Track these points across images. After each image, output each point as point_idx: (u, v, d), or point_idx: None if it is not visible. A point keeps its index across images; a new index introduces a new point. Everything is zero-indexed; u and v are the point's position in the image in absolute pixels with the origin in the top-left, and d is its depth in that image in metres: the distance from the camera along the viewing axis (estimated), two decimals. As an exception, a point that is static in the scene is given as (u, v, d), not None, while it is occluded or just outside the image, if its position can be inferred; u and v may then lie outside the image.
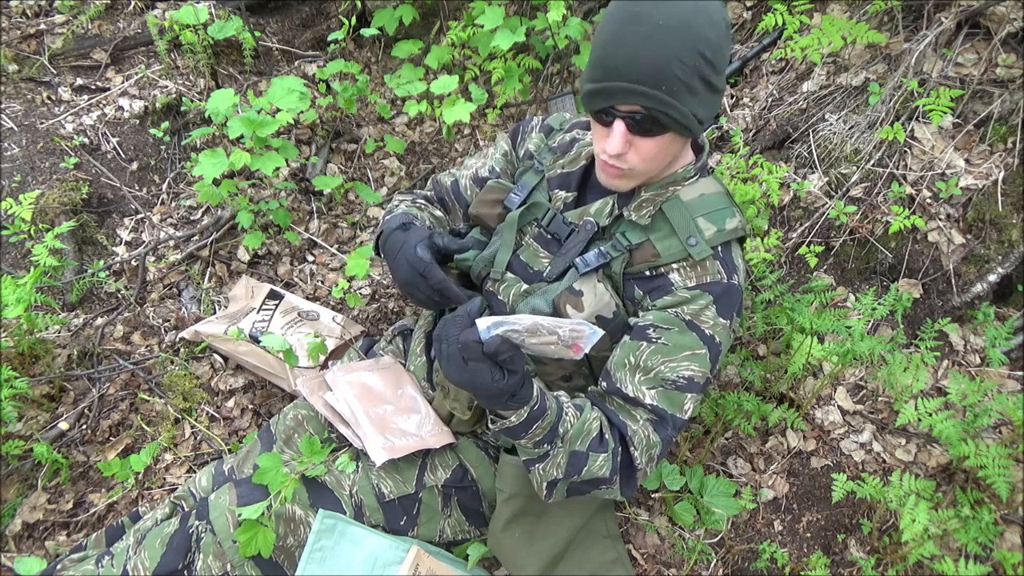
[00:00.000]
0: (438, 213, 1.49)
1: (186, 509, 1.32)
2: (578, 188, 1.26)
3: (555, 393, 1.13)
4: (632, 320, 1.16)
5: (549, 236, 1.25)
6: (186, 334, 1.86)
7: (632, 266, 1.16)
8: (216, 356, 1.88)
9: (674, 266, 1.13)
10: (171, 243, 2.11)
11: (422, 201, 1.51)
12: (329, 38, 2.21)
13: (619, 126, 1.02)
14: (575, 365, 1.22)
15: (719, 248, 1.14)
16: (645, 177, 1.13)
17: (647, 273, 1.15)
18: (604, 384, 1.16)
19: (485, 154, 1.47)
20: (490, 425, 1.11)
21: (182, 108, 2.32)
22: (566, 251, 1.21)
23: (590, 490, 1.14)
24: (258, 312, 1.89)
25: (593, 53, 1.03)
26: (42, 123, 2.19)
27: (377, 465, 1.22)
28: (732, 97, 2.05)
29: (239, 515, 1.12)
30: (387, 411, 1.32)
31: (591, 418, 1.11)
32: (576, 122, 1.36)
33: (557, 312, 1.16)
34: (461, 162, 1.53)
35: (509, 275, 1.27)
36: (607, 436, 1.11)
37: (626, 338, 1.14)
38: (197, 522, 1.19)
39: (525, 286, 1.24)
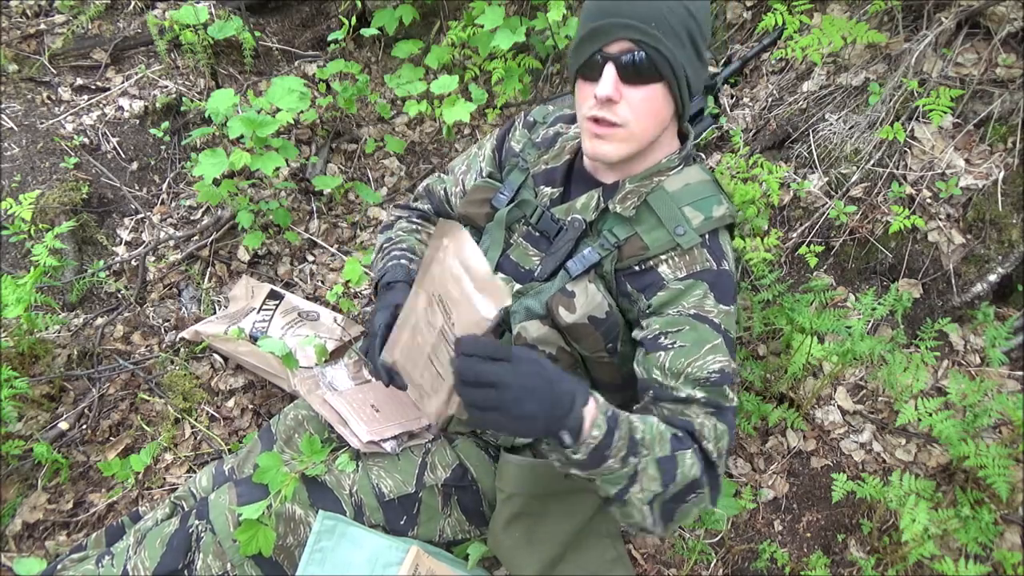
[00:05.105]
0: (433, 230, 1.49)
1: (186, 509, 1.32)
2: (563, 183, 1.25)
3: None
4: (638, 334, 1.12)
5: (538, 234, 1.24)
6: (186, 334, 1.86)
7: (622, 261, 1.13)
8: (216, 356, 1.88)
9: (662, 257, 1.11)
10: (171, 243, 2.11)
11: (419, 222, 1.50)
12: (329, 38, 2.22)
13: (609, 69, 1.02)
14: (569, 366, 1.21)
15: (707, 236, 1.11)
16: (634, 144, 1.09)
17: (636, 268, 1.13)
18: (649, 395, 1.09)
19: (469, 155, 1.46)
20: (567, 466, 0.94)
21: (182, 108, 2.32)
22: (556, 250, 1.19)
23: (684, 503, 1.00)
24: (258, 312, 1.89)
25: (582, 14, 1.06)
26: (42, 123, 2.19)
27: (364, 442, 1.23)
28: (732, 97, 2.05)
29: (239, 514, 1.12)
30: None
31: (652, 420, 1.00)
32: (559, 115, 1.34)
33: (550, 313, 1.16)
34: (448, 168, 1.51)
35: (500, 275, 1.26)
36: (679, 434, 1.02)
37: (640, 354, 1.10)
38: (197, 522, 1.19)
39: (518, 286, 1.23)
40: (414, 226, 1.49)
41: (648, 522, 0.98)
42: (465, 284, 0.88)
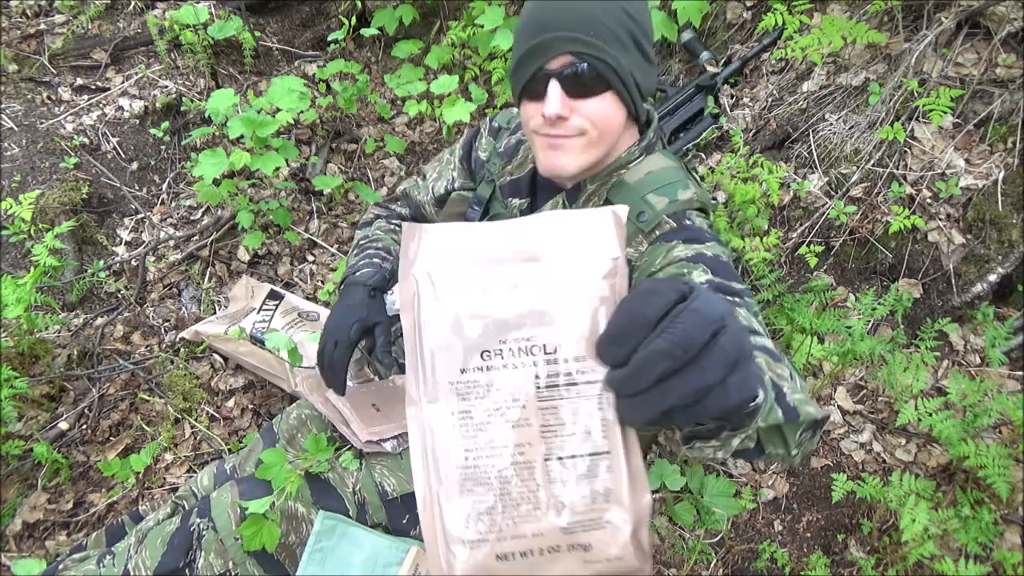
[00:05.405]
0: None
1: (187, 508, 1.32)
2: (530, 193, 1.23)
3: None
4: None
5: None
6: (186, 334, 1.86)
7: None
8: (216, 356, 1.88)
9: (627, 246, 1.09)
10: (171, 243, 2.10)
11: (397, 223, 1.46)
12: (329, 38, 2.21)
13: (554, 86, 0.97)
14: None
15: (670, 215, 1.07)
16: (593, 153, 1.04)
17: None
18: None
19: (441, 161, 1.43)
20: (741, 432, 0.63)
21: (182, 108, 2.32)
22: None
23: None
24: (258, 312, 1.89)
25: (519, 29, 1.01)
26: (42, 123, 2.19)
27: (363, 441, 1.23)
28: (732, 97, 2.05)
29: (244, 510, 1.13)
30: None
31: None
32: (521, 121, 1.31)
33: None
34: (423, 172, 1.48)
35: None
36: None
37: None
38: (198, 520, 1.19)
39: None
40: (392, 226, 1.46)
41: (820, 410, 0.78)
42: (522, 273, 0.49)
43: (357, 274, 1.28)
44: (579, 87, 0.98)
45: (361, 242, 1.40)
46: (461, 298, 0.50)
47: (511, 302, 0.49)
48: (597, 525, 0.49)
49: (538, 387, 0.49)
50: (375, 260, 1.32)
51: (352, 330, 1.18)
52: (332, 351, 1.18)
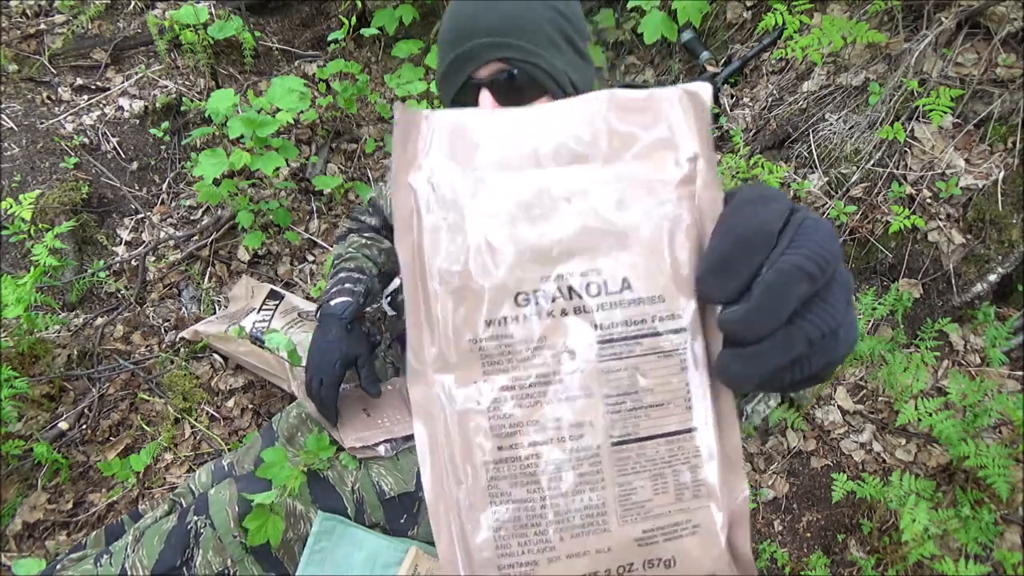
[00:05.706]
0: (385, 245, 1.43)
1: (184, 506, 1.32)
2: None
3: None
4: None
5: None
6: (186, 334, 1.86)
7: None
8: (216, 356, 1.88)
9: None
10: (171, 243, 2.11)
11: (369, 236, 1.43)
12: (329, 38, 2.22)
13: (485, 96, 0.90)
14: None
15: None
16: None
17: None
18: None
19: None
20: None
21: (182, 108, 2.32)
22: None
23: None
24: (258, 312, 1.89)
25: (442, 36, 0.95)
26: (42, 123, 2.19)
27: (347, 447, 1.24)
28: (732, 97, 2.05)
29: (243, 507, 1.13)
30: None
31: None
32: None
33: None
34: (386, 180, 1.47)
35: None
36: None
37: None
38: (196, 517, 1.19)
39: None
40: (364, 240, 1.43)
41: None
42: (569, 180, 0.35)
43: (332, 303, 1.26)
44: (512, 95, 0.92)
45: (336, 261, 1.37)
46: (484, 216, 0.35)
47: (556, 223, 0.34)
48: (684, 531, 0.37)
49: (601, 341, 0.34)
50: (347, 286, 1.29)
51: (335, 367, 1.19)
52: (319, 389, 1.20)
